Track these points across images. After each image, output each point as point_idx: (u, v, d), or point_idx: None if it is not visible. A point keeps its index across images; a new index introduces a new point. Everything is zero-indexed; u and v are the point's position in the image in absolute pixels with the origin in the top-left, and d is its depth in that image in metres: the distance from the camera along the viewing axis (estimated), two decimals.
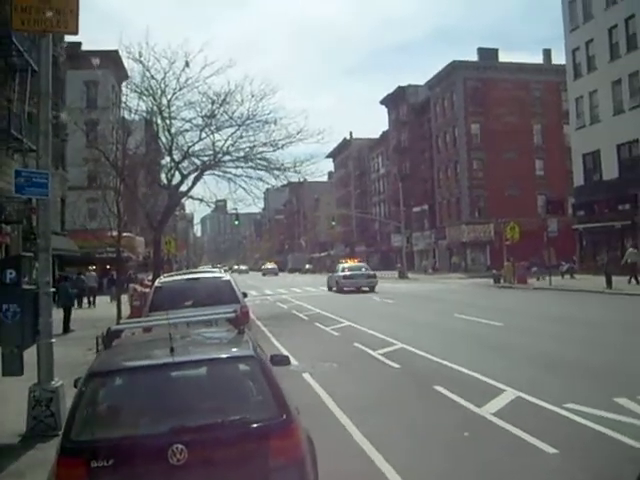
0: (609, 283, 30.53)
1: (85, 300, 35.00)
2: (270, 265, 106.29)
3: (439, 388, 10.54)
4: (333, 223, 79.08)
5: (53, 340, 9.57)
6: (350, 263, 47.41)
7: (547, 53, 71.30)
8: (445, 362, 13.05)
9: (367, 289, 40.27)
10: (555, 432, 7.85)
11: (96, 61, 40.94)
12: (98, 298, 35.81)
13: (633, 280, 32.37)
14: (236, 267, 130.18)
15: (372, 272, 43.50)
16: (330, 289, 43.68)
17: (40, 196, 9.50)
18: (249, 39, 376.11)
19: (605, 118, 43.43)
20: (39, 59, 10.29)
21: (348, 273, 41.88)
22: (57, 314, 16.25)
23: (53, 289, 10.37)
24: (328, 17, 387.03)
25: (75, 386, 5.26)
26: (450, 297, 32.52)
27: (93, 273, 40.20)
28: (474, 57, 69.72)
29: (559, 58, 58.21)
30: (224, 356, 5.31)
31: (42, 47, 9.97)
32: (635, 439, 7.35)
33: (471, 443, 7.82)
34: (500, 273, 41.62)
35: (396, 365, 13.15)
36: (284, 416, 4.64)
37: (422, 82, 78.36)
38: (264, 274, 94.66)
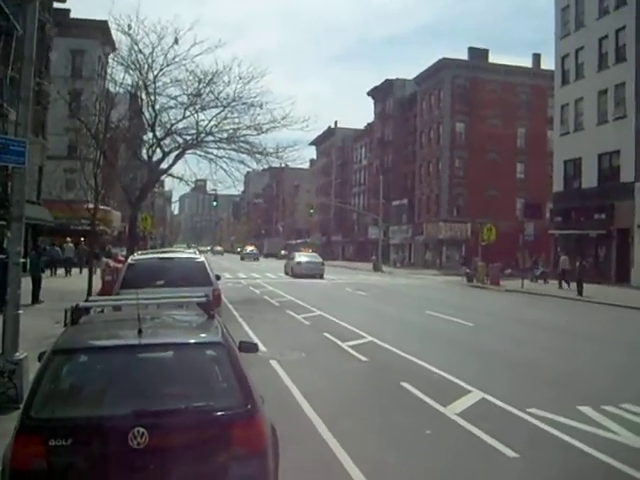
0: (580, 290, 30.83)
1: (61, 271, 35.17)
2: (250, 248, 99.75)
3: (405, 384, 10.57)
4: (311, 211, 78.88)
5: (20, 311, 9.43)
6: (304, 252, 54.12)
7: (537, 57, 71.61)
8: (414, 359, 13.08)
9: (318, 276, 44.08)
10: (516, 436, 7.91)
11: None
12: (73, 270, 35.73)
13: (565, 285, 35.21)
14: (216, 248, 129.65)
15: (321, 261, 48.38)
16: (286, 274, 47.67)
17: (16, 164, 9.33)
18: (239, 20, 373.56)
19: (589, 127, 43.74)
20: (25, 23, 10.10)
21: (303, 260, 47.29)
22: (26, 284, 16.05)
23: (23, 259, 10.21)
24: (320, 4, 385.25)
25: (39, 360, 5.17)
26: (423, 293, 32.66)
27: (70, 244, 39.92)
28: (463, 56, 69.81)
29: (548, 63, 58.58)
30: (192, 341, 5.25)
31: (28, 11, 9.78)
32: (595, 449, 7.42)
33: (433, 441, 7.86)
34: (474, 272, 41.85)
35: (364, 358, 13.17)
36: (248, 405, 4.60)
37: (409, 76, 78.46)
38: (242, 258, 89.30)
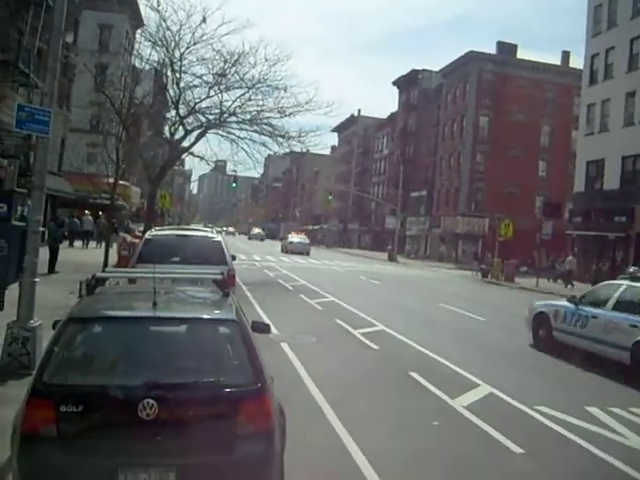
0: None
1: (79, 243, 35.57)
2: (257, 230, 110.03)
3: (414, 375, 10.58)
4: (330, 197, 78.71)
5: (37, 279, 9.52)
6: (296, 235, 67.20)
7: (565, 55, 70.76)
8: (424, 350, 13.09)
9: (305, 253, 56.39)
10: (523, 432, 7.90)
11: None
12: (91, 243, 36.10)
13: (569, 285, 35.42)
14: (226, 229, 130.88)
15: (308, 242, 63.09)
16: (282, 251, 59.58)
17: (40, 134, 9.39)
18: (267, 4, 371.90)
19: (614, 128, 43.24)
20: None
21: (295, 240, 61.37)
22: (44, 254, 16.18)
23: (42, 228, 10.30)
24: None
25: (53, 328, 5.21)
26: (436, 286, 32.59)
27: (90, 217, 40.16)
28: (492, 50, 69.20)
29: (577, 62, 57.92)
30: (206, 317, 5.27)
31: None
32: (600, 449, 7.41)
33: (439, 433, 7.87)
34: (488, 268, 41.70)
35: (375, 346, 13.19)
36: (259, 384, 4.63)
37: (435, 68, 77.89)
38: (250, 238, 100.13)
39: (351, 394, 9.24)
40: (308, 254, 56.45)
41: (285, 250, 59.49)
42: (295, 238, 63.07)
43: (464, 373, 11.05)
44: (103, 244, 30.28)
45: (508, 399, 9.45)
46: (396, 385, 10.08)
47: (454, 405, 8.95)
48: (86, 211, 40.46)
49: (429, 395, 9.49)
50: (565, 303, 14.31)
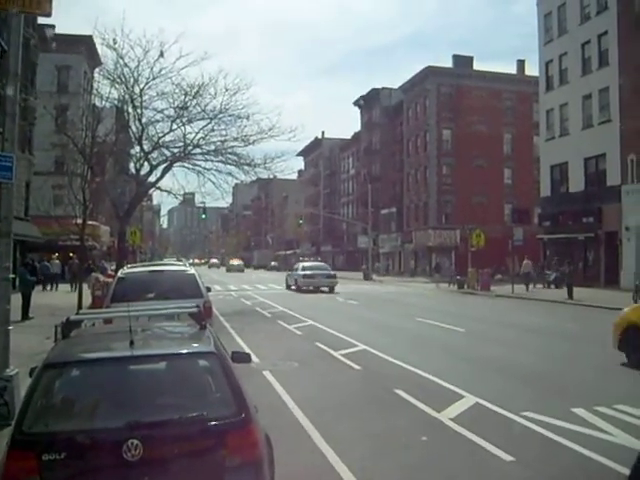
0: (570, 293, 31.04)
1: (49, 286, 35.28)
2: (236, 262, 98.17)
3: (399, 391, 10.56)
4: (300, 222, 78.99)
5: (10, 327, 9.37)
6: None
7: (521, 64, 72.08)
8: (407, 365, 13.07)
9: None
10: (511, 440, 7.91)
11: (50, 33, 40.19)
12: (60, 286, 35.64)
13: (531, 287, 37.93)
14: (212, 261, 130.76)
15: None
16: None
17: (4, 180, 9.27)
18: (225, 32, 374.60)
19: (574, 131, 44.01)
20: (9, 39, 10.06)
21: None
22: (16, 300, 15.94)
23: (12, 275, 10.16)
24: (305, 17, 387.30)
25: (30, 375, 5.13)
26: (413, 301, 32.66)
27: (57, 261, 39.84)
28: (448, 64, 70.14)
29: (533, 69, 58.95)
30: (184, 351, 5.22)
31: (13, 27, 9.74)
32: (590, 450, 7.43)
33: (429, 447, 7.84)
34: (464, 279, 41.96)
35: (357, 366, 13.15)
36: (243, 415, 4.58)
37: (395, 85, 78.76)
38: (228, 270, 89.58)
39: (337, 416, 9.19)
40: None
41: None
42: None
43: (448, 385, 11.05)
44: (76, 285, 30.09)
45: (494, 407, 9.46)
46: (382, 404, 10.03)
47: (441, 418, 8.94)
48: (53, 255, 40.06)
49: (416, 410, 9.46)
50: None
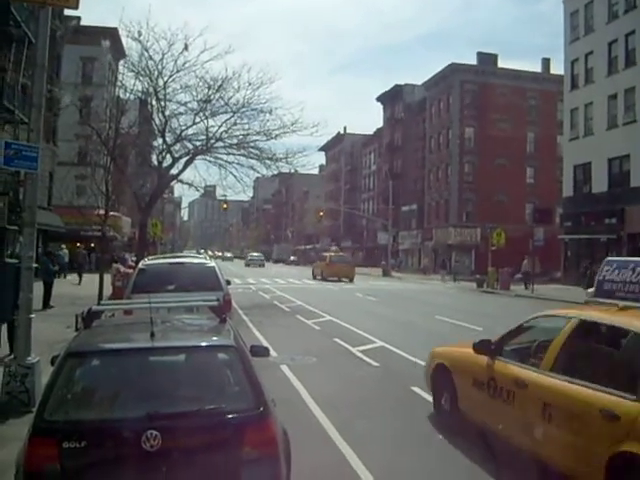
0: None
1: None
2: (255, 254, 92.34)
3: (416, 389, 10.55)
4: (321, 214, 79.01)
5: (32, 316, 9.48)
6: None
7: (546, 62, 71.41)
8: (424, 363, 13.02)
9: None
10: None
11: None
12: (68, 277, 36.00)
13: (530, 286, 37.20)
14: (226, 254, 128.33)
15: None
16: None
17: (28, 170, 9.40)
18: (247, 29, 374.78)
19: (598, 131, 43.58)
20: (37, 31, 10.17)
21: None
22: (37, 289, 16.13)
23: (36, 265, 10.28)
24: (328, 14, 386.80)
25: (52, 364, 5.19)
26: (432, 299, 32.54)
27: (65, 250, 40.07)
28: (472, 61, 69.70)
29: (558, 68, 58.46)
30: (204, 344, 5.27)
31: (41, 19, 9.86)
32: None
33: (444, 446, 7.82)
34: (484, 278, 41.78)
35: (375, 363, 13.16)
36: (261, 408, 4.62)
37: (417, 81, 78.61)
38: (247, 264, 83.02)
39: (354, 413, 9.19)
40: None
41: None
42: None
43: None
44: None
45: None
46: (399, 401, 10.04)
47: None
48: (62, 245, 40.18)
49: (432, 408, 9.45)
50: None
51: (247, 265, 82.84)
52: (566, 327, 6.65)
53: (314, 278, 48.95)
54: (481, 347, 7.67)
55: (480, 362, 7.58)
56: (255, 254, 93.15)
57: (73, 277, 35.87)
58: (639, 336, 5.80)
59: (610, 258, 14.64)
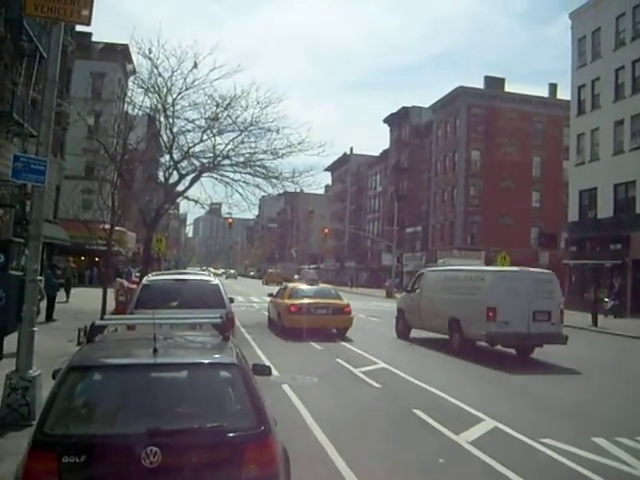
0: (595, 321, 30.63)
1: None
2: (277, 270, 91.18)
3: (418, 412, 10.49)
4: (326, 231, 78.99)
5: (35, 329, 9.48)
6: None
7: (553, 87, 71.76)
8: (425, 386, 12.99)
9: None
10: (530, 466, 7.82)
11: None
12: (88, 289, 35.95)
13: None
14: (229, 271, 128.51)
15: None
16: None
17: (36, 183, 9.42)
18: (258, 46, 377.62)
19: (605, 157, 43.66)
20: (49, 46, 10.26)
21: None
22: (41, 303, 16.13)
23: (40, 277, 10.29)
24: (335, 35, 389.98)
25: (53, 378, 5.18)
26: None
27: (72, 264, 39.96)
28: (480, 85, 70.04)
29: (565, 93, 58.68)
30: (206, 361, 5.25)
31: (53, 34, 9.95)
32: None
33: (445, 470, 7.78)
34: None
35: (377, 384, 13.10)
36: (262, 427, 4.60)
37: (423, 104, 78.87)
38: (266, 282, 77.66)
39: (355, 434, 9.14)
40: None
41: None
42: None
43: (467, 408, 10.95)
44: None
45: (512, 432, 9.35)
46: (400, 423, 9.98)
47: (459, 441, 8.86)
48: (54, 257, 40.01)
49: (434, 432, 9.40)
50: None
51: (266, 283, 79.49)
52: None
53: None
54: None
55: None
56: (275, 270, 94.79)
57: (60, 294, 35.80)
58: None
59: None
